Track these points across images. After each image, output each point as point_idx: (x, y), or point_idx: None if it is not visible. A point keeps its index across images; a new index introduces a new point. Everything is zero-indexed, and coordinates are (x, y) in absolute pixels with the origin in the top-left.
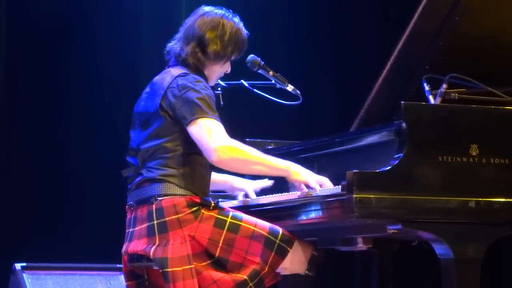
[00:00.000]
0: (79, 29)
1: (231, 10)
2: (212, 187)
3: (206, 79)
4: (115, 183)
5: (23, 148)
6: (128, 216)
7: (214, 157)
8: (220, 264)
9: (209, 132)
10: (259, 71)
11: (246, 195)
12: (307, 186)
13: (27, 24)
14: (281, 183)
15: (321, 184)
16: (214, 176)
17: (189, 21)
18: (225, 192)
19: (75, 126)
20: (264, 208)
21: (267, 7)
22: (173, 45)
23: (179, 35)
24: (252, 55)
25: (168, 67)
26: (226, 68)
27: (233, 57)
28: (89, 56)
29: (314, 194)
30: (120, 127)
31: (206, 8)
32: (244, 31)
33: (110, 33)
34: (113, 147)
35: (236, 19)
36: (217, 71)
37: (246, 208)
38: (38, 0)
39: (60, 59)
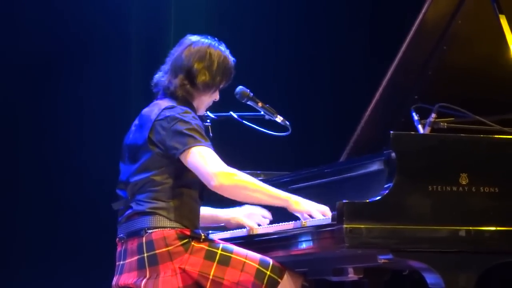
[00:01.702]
0: (69, 60)
1: (216, 38)
2: (206, 222)
3: (194, 109)
4: (105, 216)
5: (15, 178)
6: (119, 249)
7: (214, 182)
8: None
9: (206, 159)
10: (248, 102)
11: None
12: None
13: (15, 57)
14: (272, 214)
15: (323, 213)
16: (203, 211)
17: (175, 52)
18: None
19: (63, 159)
20: (255, 239)
21: (256, 38)
22: (160, 77)
23: (166, 67)
24: (241, 87)
25: (156, 100)
26: (215, 96)
27: (221, 86)
28: (79, 87)
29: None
30: (110, 158)
31: (192, 38)
32: (231, 59)
33: (100, 63)
34: (103, 180)
35: (222, 47)
36: (206, 101)
37: (236, 240)
38: (26, 34)
39: (50, 89)
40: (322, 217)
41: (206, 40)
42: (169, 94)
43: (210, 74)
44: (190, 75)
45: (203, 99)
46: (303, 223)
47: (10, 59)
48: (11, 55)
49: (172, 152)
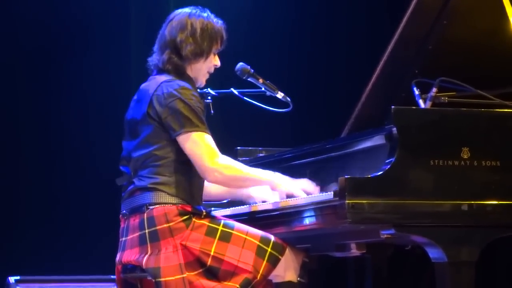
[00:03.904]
0: (69, 41)
1: (199, 6)
2: (224, 196)
3: (192, 81)
4: (108, 193)
5: (14, 160)
6: (122, 225)
7: (209, 177)
8: (212, 273)
9: (201, 150)
10: (249, 79)
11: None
12: (291, 196)
13: (14, 41)
14: None
15: (304, 189)
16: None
17: (161, 30)
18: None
19: (67, 137)
20: (257, 216)
21: (256, 14)
22: (152, 58)
23: (156, 47)
24: (241, 63)
25: (153, 75)
26: (212, 62)
27: (214, 50)
28: (80, 64)
29: (306, 202)
30: (114, 135)
31: (175, 12)
32: (217, 22)
33: (100, 42)
34: (106, 157)
35: (205, 14)
36: (203, 69)
37: (238, 216)
38: (26, 19)
39: (50, 69)
40: (305, 195)
41: (187, 10)
42: (160, 71)
43: (195, 42)
44: (175, 48)
45: (197, 68)
46: (287, 202)
47: (8, 42)
48: (8, 38)
49: (169, 131)
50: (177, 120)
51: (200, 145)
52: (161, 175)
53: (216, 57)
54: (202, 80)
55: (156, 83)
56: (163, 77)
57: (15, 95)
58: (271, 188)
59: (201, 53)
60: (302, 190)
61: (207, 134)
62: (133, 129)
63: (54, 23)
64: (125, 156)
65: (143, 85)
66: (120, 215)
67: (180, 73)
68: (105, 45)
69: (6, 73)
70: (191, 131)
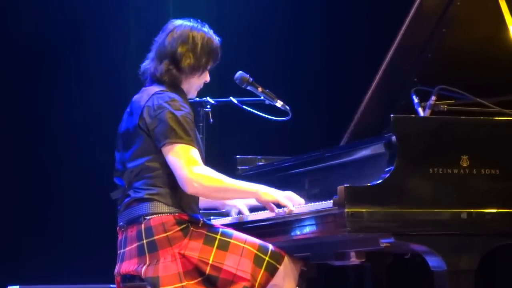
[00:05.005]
0: (66, 47)
1: (199, 20)
2: (202, 205)
3: (184, 94)
4: (108, 201)
5: (13, 169)
6: (119, 237)
7: (190, 188)
8: (210, 282)
9: (183, 161)
10: (248, 87)
11: (239, 212)
12: (278, 205)
13: (10, 43)
14: None
15: (289, 198)
16: None
17: (159, 38)
18: (216, 209)
19: (66, 146)
20: (256, 224)
21: (255, 23)
22: (147, 65)
23: (151, 54)
24: (240, 72)
25: (145, 86)
26: (204, 78)
27: (209, 67)
28: (78, 72)
29: (305, 210)
30: (113, 144)
31: (175, 23)
32: (216, 39)
33: (98, 50)
34: (106, 166)
35: (206, 28)
36: (196, 83)
37: (237, 225)
38: (24, 18)
39: (47, 75)
40: (290, 204)
41: (189, 23)
42: (156, 80)
43: (195, 57)
44: (175, 60)
45: (191, 82)
46: (287, 211)
47: (5, 45)
48: (6, 40)
49: (156, 143)
50: (162, 131)
51: (181, 156)
52: (155, 186)
53: (207, 73)
54: (193, 93)
55: (148, 94)
56: (155, 88)
57: (12, 105)
58: (257, 199)
59: (198, 68)
60: (286, 198)
61: (191, 146)
62: (126, 140)
63: (52, 26)
64: (119, 167)
65: (135, 97)
66: (118, 227)
67: (175, 85)
68: (103, 51)
69: (2, 77)
70: (174, 143)
